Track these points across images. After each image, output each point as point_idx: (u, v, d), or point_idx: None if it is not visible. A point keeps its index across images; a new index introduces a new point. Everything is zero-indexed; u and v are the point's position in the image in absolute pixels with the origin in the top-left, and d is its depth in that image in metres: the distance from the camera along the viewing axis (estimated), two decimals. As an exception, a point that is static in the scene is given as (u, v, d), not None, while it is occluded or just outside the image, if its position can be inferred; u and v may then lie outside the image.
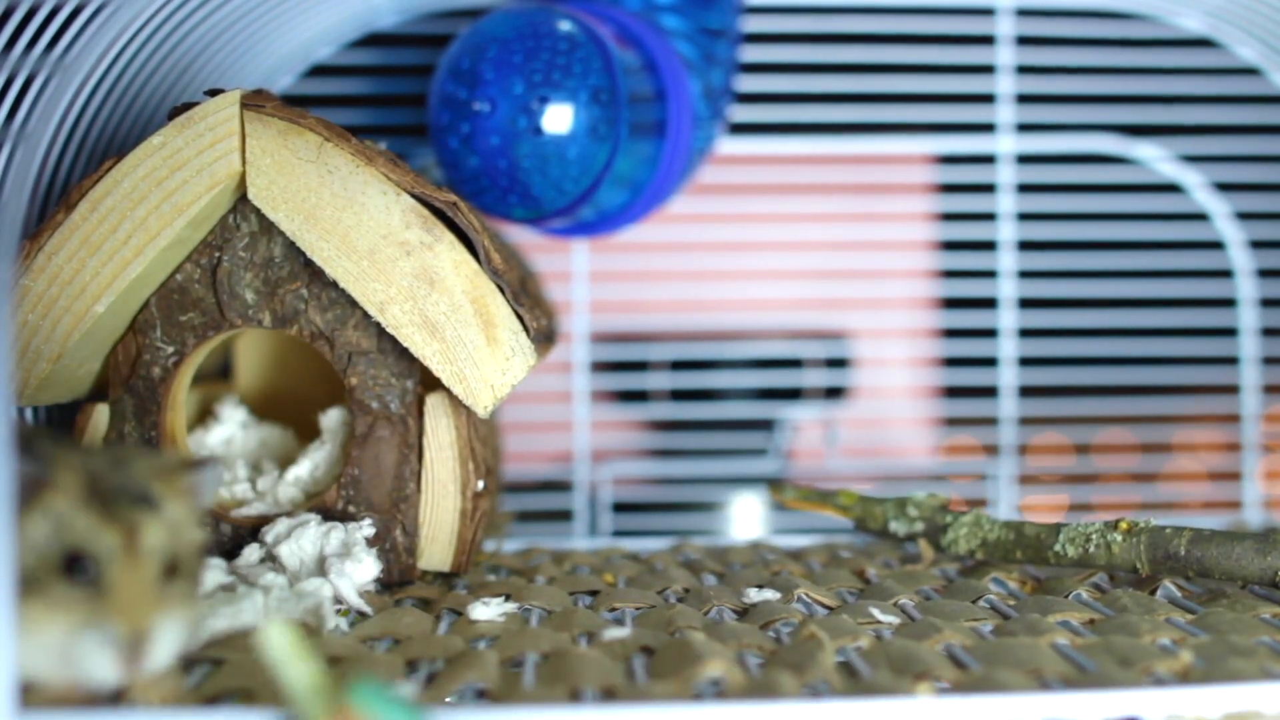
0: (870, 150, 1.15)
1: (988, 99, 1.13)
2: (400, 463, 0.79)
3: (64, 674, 0.54)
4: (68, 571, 0.54)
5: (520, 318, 0.77)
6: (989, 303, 1.14)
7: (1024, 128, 1.13)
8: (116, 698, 0.58)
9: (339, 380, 0.80)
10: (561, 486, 1.14)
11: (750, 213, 1.15)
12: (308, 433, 0.87)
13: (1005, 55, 1.12)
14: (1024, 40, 1.12)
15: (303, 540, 0.76)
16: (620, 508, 1.14)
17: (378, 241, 0.75)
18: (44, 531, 0.54)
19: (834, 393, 1.17)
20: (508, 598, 0.76)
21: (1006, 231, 1.13)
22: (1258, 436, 1.14)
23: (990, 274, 1.13)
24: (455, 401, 0.79)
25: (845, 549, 0.95)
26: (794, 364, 1.17)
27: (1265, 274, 1.14)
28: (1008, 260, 1.13)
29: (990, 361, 1.13)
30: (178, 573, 0.56)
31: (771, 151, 1.14)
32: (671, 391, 1.16)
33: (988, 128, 1.13)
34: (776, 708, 0.54)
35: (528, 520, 1.12)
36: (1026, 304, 1.13)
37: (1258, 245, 1.14)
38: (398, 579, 0.80)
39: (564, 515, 1.13)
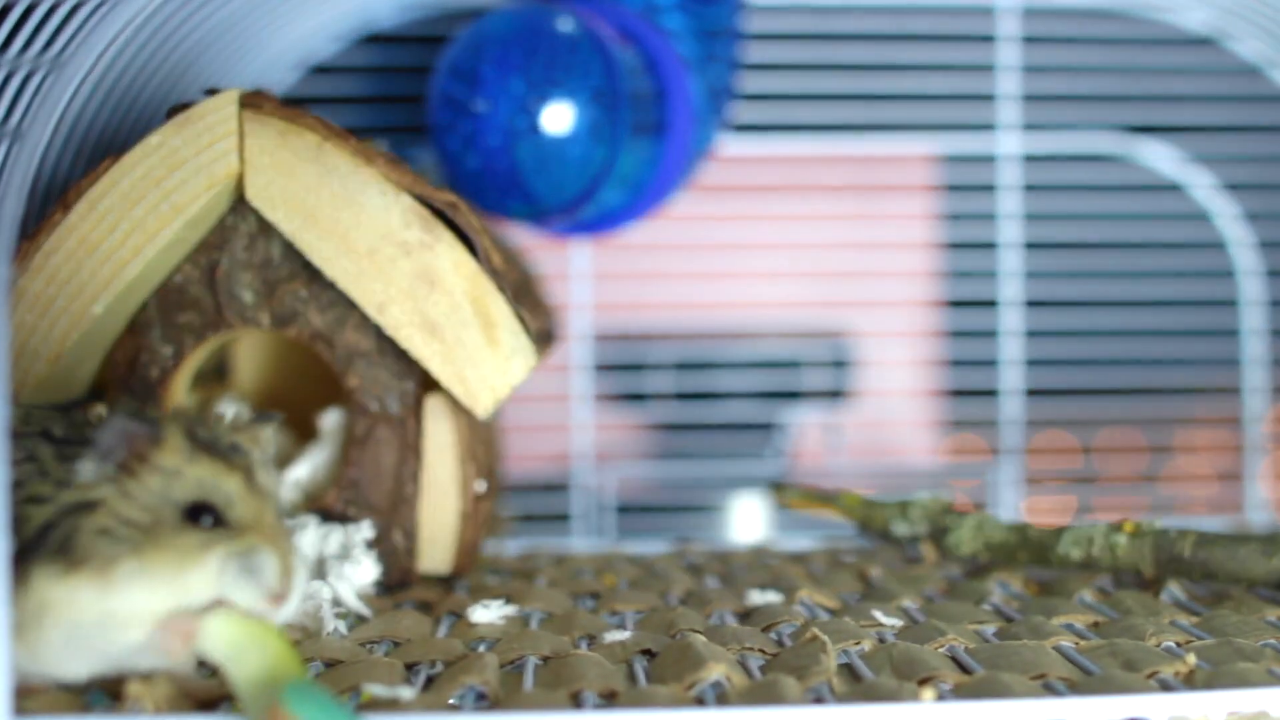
0: (876, 150, 1.15)
1: (990, 98, 1.12)
2: (400, 464, 0.79)
3: (179, 630, 0.55)
4: (192, 520, 0.56)
5: (520, 318, 0.76)
6: (991, 303, 1.13)
7: (1029, 127, 1.13)
8: (114, 699, 0.57)
9: (338, 381, 0.79)
10: (563, 488, 1.13)
11: (754, 213, 1.15)
12: (306, 434, 0.87)
13: (1007, 54, 1.12)
14: (1028, 39, 1.12)
15: (301, 542, 0.76)
16: (622, 510, 1.14)
17: (377, 241, 0.75)
18: (155, 488, 0.56)
19: (838, 394, 1.17)
20: (508, 600, 0.75)
21: (1009, 232, 1.13)
22: (1262, 438, 1.13)
23: (992, 274, 1.13)
24: (455, 403, 0.79)
25: (847, 551, 0.95)
26: (798, 365, 1.16)
27: (1275, 275, 1.13)
28: (1010, 260, 1.13)
29: (992, 363, 1.13)
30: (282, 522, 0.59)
31: (777, 152, 1.13)
32: (674, 392, 1.16)
33: (990, 127, 1.13)
34: (779, 712, 0.54)
35: (529, 522, 1.11)
36: (1029, 305, 1.13)
37: (1267, 246, 1.13)
38: (397, 581, 0.79)
39: (565, 517, 1.13)
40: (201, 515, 0.56)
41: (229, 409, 0.88)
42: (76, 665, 0.56)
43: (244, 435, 0.59)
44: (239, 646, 0.55)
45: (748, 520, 1.15)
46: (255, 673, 0.54)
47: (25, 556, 0.54)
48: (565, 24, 0.90)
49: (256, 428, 0.61)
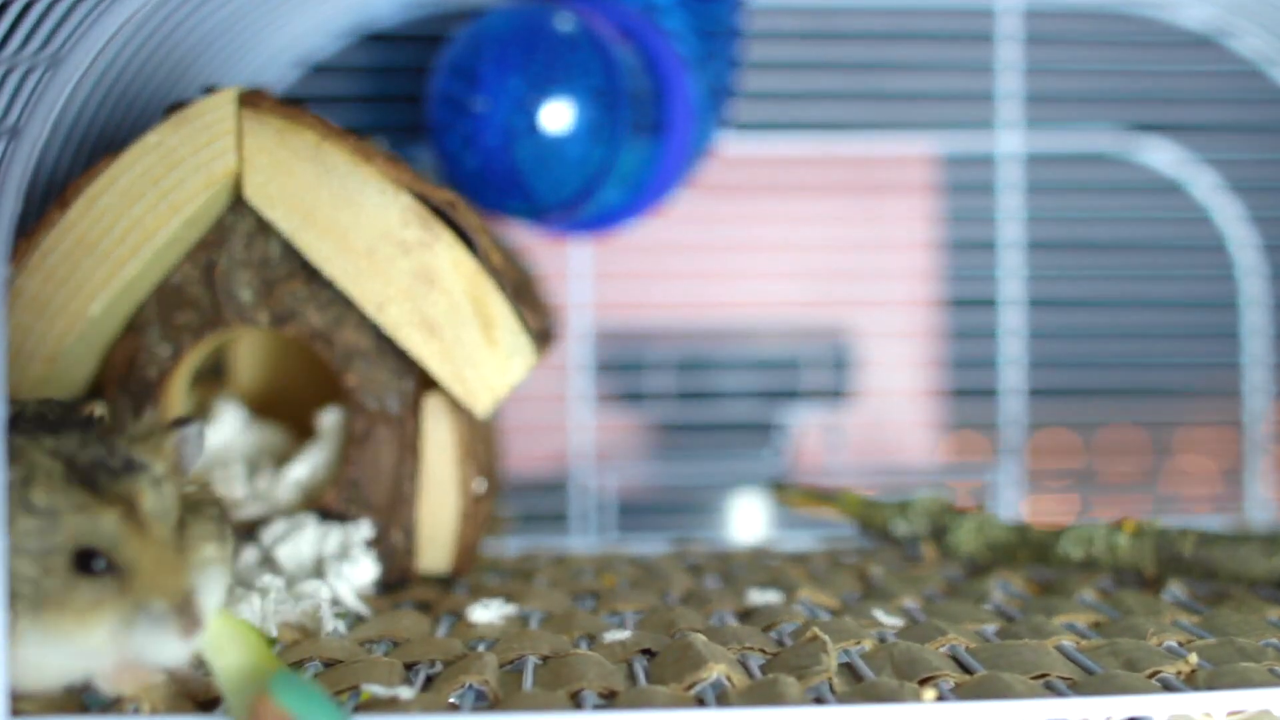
0: (877, 150, 1.15)
1: (990, 98, 1.12)
2: (399, 464, 0.79)
3: (126, 668, 0.51)
4: (81, 569, 0.50)
5: (520, 317, 0.76)
6: (992, 303, 1.13)
7: (1031, 126, 1.12)
8: (111, 703, 0.57)
9: (336, 380, 0.79)
10: (562, 488, 1.13)
11: (755, 213, 1.15)
12: (305, 433, 0.86)
13: (1007, 53, 1.11)
14: (1028, 39, 1.11)
15: (300, 542, 0.76)
16: (622, 509, 1.14)
17: (376, 240, 0.75)
18: (37, 533, 0.50)
19: (838, 394, 1.17)
20: (508, 600, 0.75)
21: (1010, 232, 1.12)
22: (1264, 437, 1.13)
23: (993, 274, 1.13)
24: (454, 402, 0.78)
25: (848, 551, 0.95)
26: (798, 365, 1.16)
27: (1277, 275, 1.13)
28: (1011, 260, 1.12)
29: (992, 362, 1.12)
30: (194, 516, 0.54)
31: (778, 152, 1.13)
32: (674, 392, 1.15)
33: (990, 126, 1.12)
34: (779, 712, 0.54)
35: (529, 522, 1.11)
36: (1030, 304, 1.13)
37: (1269, 247, 1.13)
38: (396, 581, 0.79)
39: (564, 517, 1.12)
40: (91, 560, 0.50)
41: (227, 409, 0.88)
42: (45, 686, 0.53)
43: (144, 446, 0.54)
44: (217, 642, 0.54)
45: (748, 520, 1.15)
46: (236, 666, 0.53)
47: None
48: (564, 23, 0.90)
49: (161, 436, 0.55)
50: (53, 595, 0.50)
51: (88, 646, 0.50)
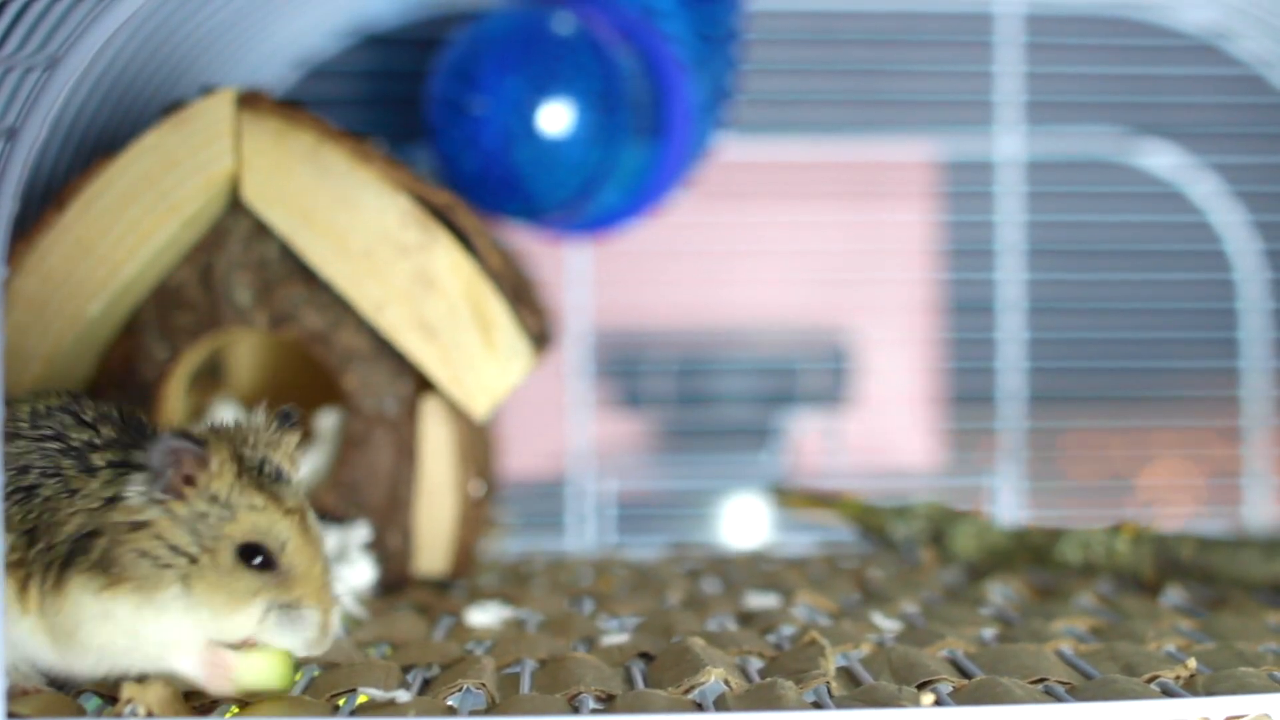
0: (877, 155, 1.15)
1: (989, 103, 1.12)
2: (396, 467, 0.79)
3: (220, 662, 0.56)
4: (245, 560, 0.55)
5: (518, 320, 0.76)
6: (992, 308, 1.13)
7: (1031, 130, 1.12)
8: (108, 701, 0.57)
9: (334, 383, 0.79)
10: (561, 491, 1.13)
11: (755, 218, 1.15)
12: (303, 435, 0.86)
13: (1007, 59, 1.11)
14: (1028, 44, 1.11)
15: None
16: (621, 513, 1.14)
17: (374, 242, 0.75)
18: (209, 519, 0.55)
19: (837, 398, 1.16)
20: (505, 603, 0.75)
21: (1010, 237, 1.12)
22: (1264, 442, 1.13)
23: (993, 280, 1.13)
24: (452, 405, 0.78)
25: (846, 555, 0.94)
26: (797, 370, 1.16)
27: (1278, 281, 1.13)
28: (1011, 266, 1.12)
29: (992, 367, 1.12)
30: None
31: (779, 158, 1.13)
32: (673, 396, 1.15)
33: (989, 127, 1.12)
34: (777, 717, 0.53)
35: (527, 525, 1.11)
36: (1030, 310, 1.13)
37: (1270, 254, 1.13)
38: (394, 583, 0.79)
39: (563, 520, 1.12)
40: (254, 556, 0.55)
41: (224, 411, 0.87)
42: (101, 671, 0.57)
43: (281, 453, 0.58)
44: (262, 679, 0.56)
45: (747, 523, 1.15)
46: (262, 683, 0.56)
47: (64, 563, 0.54)
48: (563, 26, 0.90)
49: (287, 439, 0.59)
50: (211, 577, 0.54)
51: (230, 623, 0.55)
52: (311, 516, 0.58)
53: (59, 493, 0.55)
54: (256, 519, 0.55)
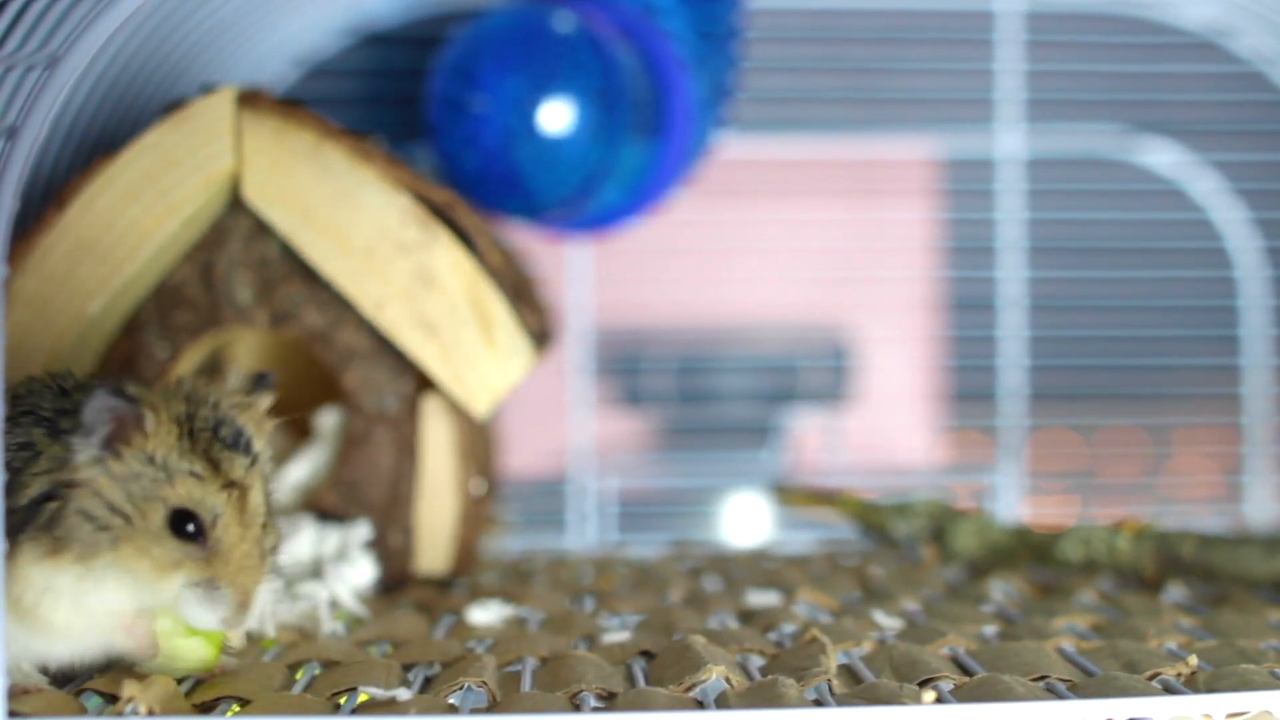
0: (878, 153, 1.15)
1: (990, 101, 1.12)
2: (397, 465, 0.79)
3: (150, 610, 0.56)
4: (173, 527, 0.54)
5: (519, 318, 0.76)
6: (993, 305, 1.13)
7: (1032, 127, 1.12)
8: (109, 700, 0.57)
9: (335, 381, 0.79)
10: (562, 489, 1.13)
11: (756, 216, 1.15)
12: (303, 434, 0.86)
13: (1008, 56, 1.11)
14: (1029, 41, 1.11)
15: (299, 543, 0.76)
16: (622, 511, 1.14)
17: (375, 241, 0.75)
18: (144, 480, 0.54)
19: (839, 396, 1.16)
20: (506, 601, 0.75)
21: (1011, 234, 1.12)
22: (1265, 439, 1.13)
23: (994, 277, 1.13)
24: (453, 403, 0.78)
25: (847, 553, 0.94)
26: (798, 367, 1.16)
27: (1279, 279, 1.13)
28: (1012, 263, 1.12)
29: (993, 364, 1.12)
30: (268, 527, 0.58)
31: (779, 155, 1.13)
32: (674, 394, 1.15)
33: (990, 125, 1.12)
34: (778, 714, 0.53)
35: (528, 523, 1.11)
36: (1031, 307, 1.13)
37: (1271, 251, 1.13)
38: (395, 582, 0.79)
39: (564, 518, 1.12)
40: (185, 524, 0.54)
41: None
42: (58, 648, 0.57)
43: (248, 415, 0.57)
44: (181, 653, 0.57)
45: (748, 521, 1.15)
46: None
47: (19, 529, 0.54)
48: (563, 24, 0.90)
49: (256, 401, 0.59)
50: (140, 541, 0.54)
51: (153, 592, 0.55)
52: (261, 490, 0.57)
53: (28, 463, 0.55)
54: (192, 487, 0.54)
